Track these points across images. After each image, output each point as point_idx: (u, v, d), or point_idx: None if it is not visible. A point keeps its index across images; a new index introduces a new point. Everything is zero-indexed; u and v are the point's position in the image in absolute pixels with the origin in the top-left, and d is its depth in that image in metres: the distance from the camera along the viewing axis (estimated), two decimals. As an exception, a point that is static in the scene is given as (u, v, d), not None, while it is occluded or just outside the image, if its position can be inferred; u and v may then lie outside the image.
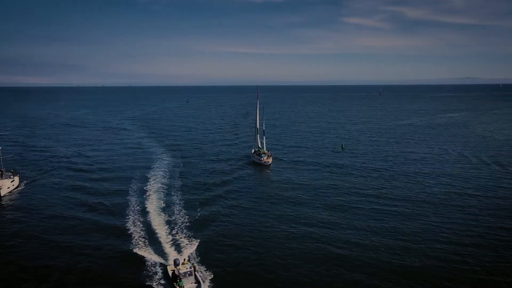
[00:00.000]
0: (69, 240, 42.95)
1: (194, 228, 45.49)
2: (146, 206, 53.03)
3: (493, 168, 73.07)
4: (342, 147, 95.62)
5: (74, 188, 62.61)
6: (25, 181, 65.89)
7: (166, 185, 63.36)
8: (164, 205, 53.58)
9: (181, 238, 43.10)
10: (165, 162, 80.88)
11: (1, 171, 63.20)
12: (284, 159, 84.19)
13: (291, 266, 36.85)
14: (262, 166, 77.59)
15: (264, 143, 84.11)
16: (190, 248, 40.64)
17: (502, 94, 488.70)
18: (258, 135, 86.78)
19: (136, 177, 68.15)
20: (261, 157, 79.08)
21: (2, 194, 58.55)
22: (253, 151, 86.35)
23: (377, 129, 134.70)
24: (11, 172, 64.74)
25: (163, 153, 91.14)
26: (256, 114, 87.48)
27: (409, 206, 52.36)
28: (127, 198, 56.71)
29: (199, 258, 38.35)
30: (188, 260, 36.27)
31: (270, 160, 79.21)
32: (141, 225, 46.64)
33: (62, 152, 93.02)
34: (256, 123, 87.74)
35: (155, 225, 46.36)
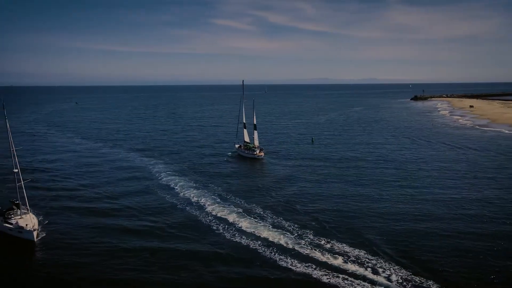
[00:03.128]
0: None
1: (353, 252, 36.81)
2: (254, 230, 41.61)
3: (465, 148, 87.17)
4: (312, 141, 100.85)
5: (117, 227, 43.61)
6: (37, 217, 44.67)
7: (216, 204, 50.48)
8: (268, 233, 40.95)
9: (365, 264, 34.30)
10: (163, 171, 68.56)
11: (17, 203, 43.38)
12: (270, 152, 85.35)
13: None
14: (253, 160, 78.41)
15: (256, 137, 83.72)
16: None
17: (366, 92, 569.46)
18: (245, 130, 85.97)
19: (170, 201, 52.18)
20: (254, 151, 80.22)
21: (35, 238, 39.26)
22: (237, 146, 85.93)
23: (315, 124, 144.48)
24: (17, 204, 43.77)
25: (142, 160, 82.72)
26: (242, 109, 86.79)
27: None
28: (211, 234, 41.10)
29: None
30: None
31: (263, 153, 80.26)
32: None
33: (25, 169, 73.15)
34: (242, 118, 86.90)
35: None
